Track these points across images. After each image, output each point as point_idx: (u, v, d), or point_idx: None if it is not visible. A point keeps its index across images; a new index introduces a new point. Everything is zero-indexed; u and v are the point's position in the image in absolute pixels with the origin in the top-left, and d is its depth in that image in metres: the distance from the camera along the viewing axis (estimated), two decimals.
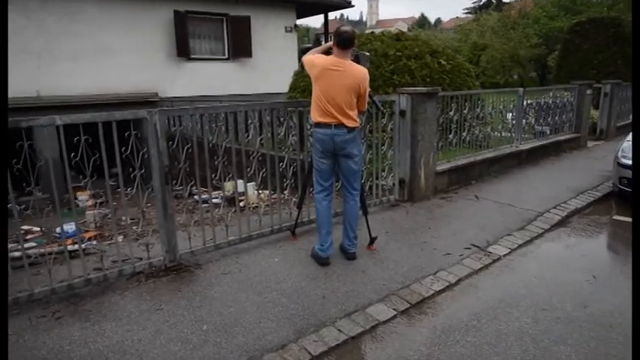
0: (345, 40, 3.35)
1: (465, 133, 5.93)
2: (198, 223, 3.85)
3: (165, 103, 11.76)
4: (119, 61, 11.29)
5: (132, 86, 11.63)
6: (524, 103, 7.25)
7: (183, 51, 12.23)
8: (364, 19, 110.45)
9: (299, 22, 15.74)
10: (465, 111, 5.85)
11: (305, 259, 3.68)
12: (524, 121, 7.20)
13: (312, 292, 3.16)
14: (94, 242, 4.63)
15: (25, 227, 7.08)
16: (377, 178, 4.91)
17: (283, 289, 3.22)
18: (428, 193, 5.28)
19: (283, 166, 4.20)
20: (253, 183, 4.83)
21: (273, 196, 4.57)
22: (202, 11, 12.48)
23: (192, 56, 12.55)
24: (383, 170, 5.02)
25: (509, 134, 6.96)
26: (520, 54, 25.19)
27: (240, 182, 5.14)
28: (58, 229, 5.88)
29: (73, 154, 3.01)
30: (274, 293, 3.16)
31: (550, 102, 7.97)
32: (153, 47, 11.86)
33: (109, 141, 3.15)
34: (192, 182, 3.81)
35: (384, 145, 4.96)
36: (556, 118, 8.04)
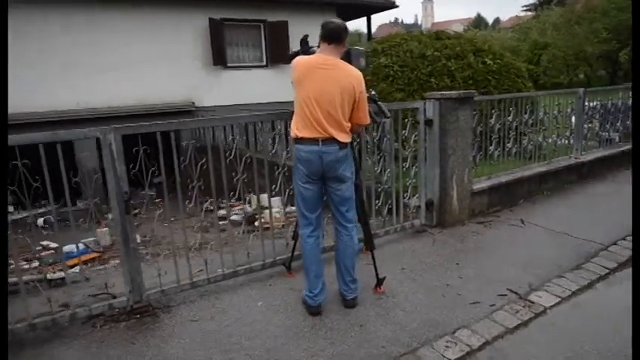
0: (332, 32, 2.68)
1: (509, 144, 5.01)
2: (170, 255, 3.28)
3: (202, 113, 11.57)
4: (156, 71, 11.20)
5: (169, 96, 11.53)
6: (587, 105, 6.17)
7: (219, 59, 11.99)
8: (419, 22, 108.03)
9: (350, 27, 15.11)
10: (510, 117, 4.93)
11: (293, 305, 3.01)
12: (586, 126, 6.10)
13: (286, 356, 2.47)
14: (77, 270, 4.21)
15: (43, 243, 6.95)
16: (397, 200, 4.14)
17: (254, 347, 2.57)
18: (462, 216, 4.43)
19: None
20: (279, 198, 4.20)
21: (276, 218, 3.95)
22: (238, 18, 12.19)
23: (229, 64, 12.29)
24: (405, 190, 4.25)
25: (566, 142, 5.88)
26: (587, 51, 23.04)
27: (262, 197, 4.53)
28: (66, 248, 5.59)
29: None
30: (241, 353, 2.52)
31: (619, 104, 6.78)
32: (189, 57, 11.71)
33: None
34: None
35: (405, 160, 4.20)
36: (627, 122, 6.83)
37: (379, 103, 3.10)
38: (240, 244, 3.62)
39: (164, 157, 3.02)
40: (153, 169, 3.00)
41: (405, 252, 3.82)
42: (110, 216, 8.47)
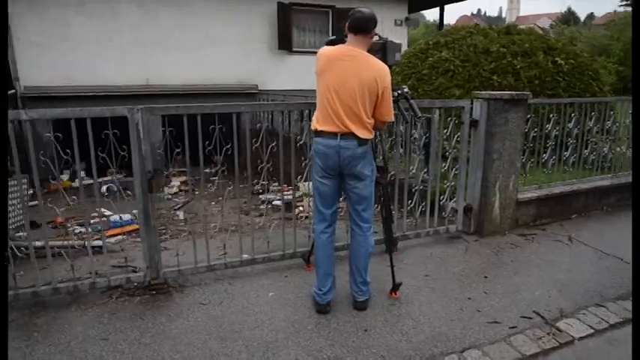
0: (357, 22, 2.54)
1: (567, 152, 4.57)
2: (188, 237, 3.33)
3: (264, 96, 11.74)
4: (222, 52, 11.47)
5: (233, 78, 11.79)
6: None
7: (285, 44, 12.04)
8: (503, 15, 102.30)
9: (427, 16, 14.64)
10: (571, 124, 4.50)
11: (304, 300, 2.96)
12: None
13: (284, 352, 2.43)
14: (112, 240, 4.44)
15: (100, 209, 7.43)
16: (432, 202, 3.93)
17: (254, 338, 2.55)
18: (503, 226, 4.13)
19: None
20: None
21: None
22: (307, 3, 12.14)
23: (294, 49, 12.32)
24: (442, 193, 4.03)
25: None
26: None
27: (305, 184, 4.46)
28: (114, 217, 5.90)
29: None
30: (239, 342, 2.51)
31: None
32: (255, 40, 11.87)
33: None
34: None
35: (445, 161, 3.97)
36: None
37: (411, 101, 2.92)
38: (264, 231, 3.60)
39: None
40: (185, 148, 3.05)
41: (433, 258, 3.63)
42: (166, 190, 8.82)
